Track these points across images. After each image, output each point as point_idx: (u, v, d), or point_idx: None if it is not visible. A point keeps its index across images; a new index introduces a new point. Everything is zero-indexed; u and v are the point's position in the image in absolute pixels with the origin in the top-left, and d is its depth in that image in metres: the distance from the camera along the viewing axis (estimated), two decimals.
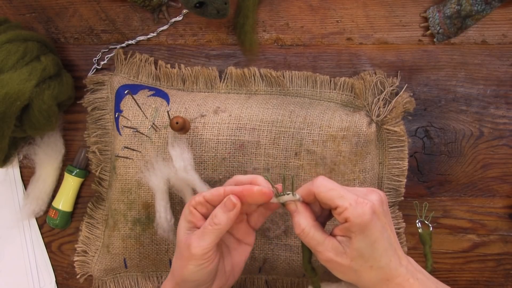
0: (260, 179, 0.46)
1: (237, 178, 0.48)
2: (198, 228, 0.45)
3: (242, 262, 0.50)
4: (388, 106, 0.57)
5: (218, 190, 0.45)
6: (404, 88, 0.58)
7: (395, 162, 0.59)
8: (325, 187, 0.42)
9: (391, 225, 0.43)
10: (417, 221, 0.56)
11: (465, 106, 0.60)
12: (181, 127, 0.50)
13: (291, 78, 0.60)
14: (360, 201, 0.40)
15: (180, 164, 0.52)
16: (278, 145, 0.55)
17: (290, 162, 0.55)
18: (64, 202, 0.63)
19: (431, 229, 0.55)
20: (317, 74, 0.60)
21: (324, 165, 0.55)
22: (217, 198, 0.45)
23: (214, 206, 0.45)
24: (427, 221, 0.55)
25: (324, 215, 0.46)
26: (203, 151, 0.55)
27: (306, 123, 0.55)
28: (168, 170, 0.53)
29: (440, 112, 0.60)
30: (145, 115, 0.57)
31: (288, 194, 0.43)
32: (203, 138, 0.55)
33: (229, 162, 0.56)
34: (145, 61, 0.62)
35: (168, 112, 0.56)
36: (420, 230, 0.55)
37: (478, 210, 0.61)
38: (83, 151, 0.63)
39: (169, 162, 0.53)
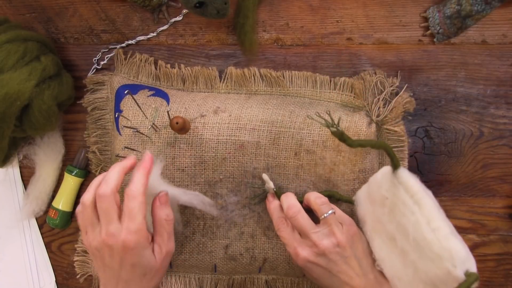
0: None
1: None
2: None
3: None
4: (388, 106, 0.57)
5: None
6: (404, 88, 0.58)
7: None
8: (279, 231, 0.52)
9: (339, 267, 0.48)
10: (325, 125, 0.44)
11: (465, 106, 0.60)
12: (181, 127, 0.50)
13: (291, 78, 0.60)
14: (295, 253, 0.50)
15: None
16: (278, 145, 0.55)
17: (290, 162, 0.55)
18: (64, 202, 0.63)
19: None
20: (317, 74, 0.60)
21: (324, 165, 0.55)
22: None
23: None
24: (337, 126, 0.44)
25: None
26: (203, 151, 0.55)
27: (306, 123, 0.55)
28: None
29: (440, 112, 0.60)
30: (145, 115, 0.57)
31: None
32: (203, 138, 0.55)
33: (229, 162, 0.56)
34: (145, 61, 0.62)
35: (168, 112, 0.56)
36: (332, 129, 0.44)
37: (478, 210, 0.61)
38: (83, 151, 0.63)
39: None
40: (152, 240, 0.48)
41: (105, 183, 0.45)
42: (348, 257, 0.48)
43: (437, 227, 0.42)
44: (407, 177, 0.45)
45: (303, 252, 0.49)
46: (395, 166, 0.46)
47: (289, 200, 0.53)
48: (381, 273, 0.50)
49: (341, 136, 0.42)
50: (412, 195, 0.44)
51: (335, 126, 0.42)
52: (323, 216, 0.50)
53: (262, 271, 0.60)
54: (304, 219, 0.51)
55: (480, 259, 0.62)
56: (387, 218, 0.47)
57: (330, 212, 0.50)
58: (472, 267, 0.40)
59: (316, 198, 0.52)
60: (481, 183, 0.61)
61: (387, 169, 0.47)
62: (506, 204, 0.61)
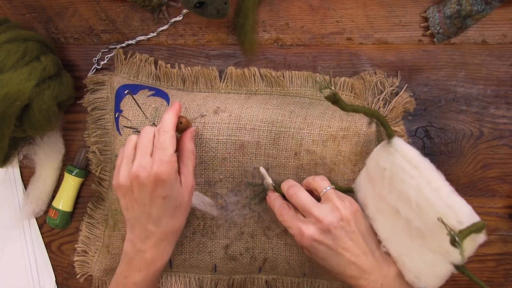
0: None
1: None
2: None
3: None
4: (388, 106, 0.57)
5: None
6: (404, 88, 0.58)
7: None
8: (281, 216, 0.51)
9: (345, 244, 0.47)
10: (319, 90, 0.44)
11: (465, 106, 0.60)
12: (185, 127, 0.51)
13: (291, 78, 0.60)
14: (300, 233, 0.48)
15: None
16: (278, 145, 0.55)
17: (289, 162, 0.55)
18: (64, 202, 0.63)
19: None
20: (317, 74, 0.60)
21: (324, 165, 0.55)
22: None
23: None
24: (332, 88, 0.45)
25: None
26: (203, 151, 0.55)
27: (306, 123, 0.55)
28: None
29: (440, 112, 0.60)
30: (145, 115, 0.57)
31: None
32: (203, 138, 0.55)
33: (230, 162, 0.56)
34: (145, 61, 0.62)
35: None
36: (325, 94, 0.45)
37: (478, 210, 0.60)
38: (83, 151, 0.63)
39: None
40: (179, 172, 0.49)
41: (163, 122, 0.48)
42: (353, 232, 0.48)
43: (438, 187, 0.42)
44: (402, 144, 0.46)
45: (308, 230, 0.48)
46: (389, 135, 0.47)
47: (290, 182, 0.53)
48: (387, 254, 0.49)
49: (335, 98, 0.42)
50: (410, 160, 0.45)
51: (328, 87, 0.41)
52: (323, 191, 0.50)
53: (262, 271, 0.60)
54: (306, 195, 0.50)
55: (480, 259, 0.62)
56: (388, 190, 0.47)
57: (329, 187, 0.50)
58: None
59: (314, 177, 0.52)
60: (481, 183, 0.61)
61: (381, 144, 0.48)
62: (506, 204, 0.61)
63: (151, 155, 0.47)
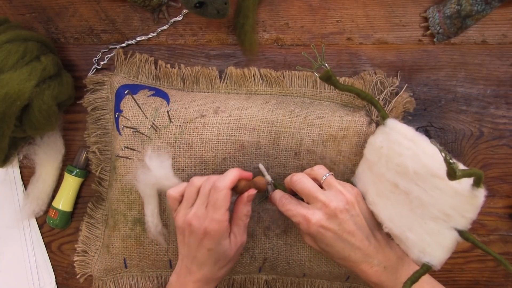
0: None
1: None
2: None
3: None
4: (388, 106, 0.57)
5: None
6: (404, 88, 0.58)
7: None
8: (283, 206, 0.51)
9: (350, 228, 0.47)
10: (315, 69, 0.49)
11: (465, 106, 0.60)
12: (241, 190, 0.50)
13: (291, 78, 0.60)
14: (306, 220, 0.48)
15: (161, 173, 0.52)
16: (278, 145, 0.55)
17: (289, 162, 0.55)
18: (64, 202, 0.63)
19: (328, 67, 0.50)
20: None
21: (324, 165, 0.55)
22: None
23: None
24: (326, 65, 0.49)
25: None
26: (203, 151, 0.55)
27: (306, 123, 0.55)
28: (150, 177, 0.53)
29: (440, 112, 0.60)
30: (145, 115, 0.57)
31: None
32: (203, 138, 0.55)
33: (229, 162, 0.56)
34: (145, 61, 0.62)
35: (168, 112, 0.56)
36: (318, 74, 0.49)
37: None
38: (83, 151, 0.63)
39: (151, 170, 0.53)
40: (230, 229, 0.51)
41: (223, 177, 0.49)
42: (357, 215, 0.48)
43: (434, 153, 0.43)
44: (396, 122, 0.49)
45: (314, 216, 0.48)
46: (383, 117, 0.50)
47: (294, 173, 0.53)
48: (389, 236, 0.49)
49: (328, 75, 0.43)
50: (405, 135, 0.47)
51: (322, 62, 0.42)
52: (323, 178, 0.50)
53: (262, 271, 0.60)
54: (310, 181, 0.50)
55: (480, 259, 0.62)
56: (386, 168, 0.48)
57: (328, 174, 0.51)
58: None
59: (312, 168, 0.53)
60: None
61: (377, 129, 0.51)
62: (506, 204, 0.61)
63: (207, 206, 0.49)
